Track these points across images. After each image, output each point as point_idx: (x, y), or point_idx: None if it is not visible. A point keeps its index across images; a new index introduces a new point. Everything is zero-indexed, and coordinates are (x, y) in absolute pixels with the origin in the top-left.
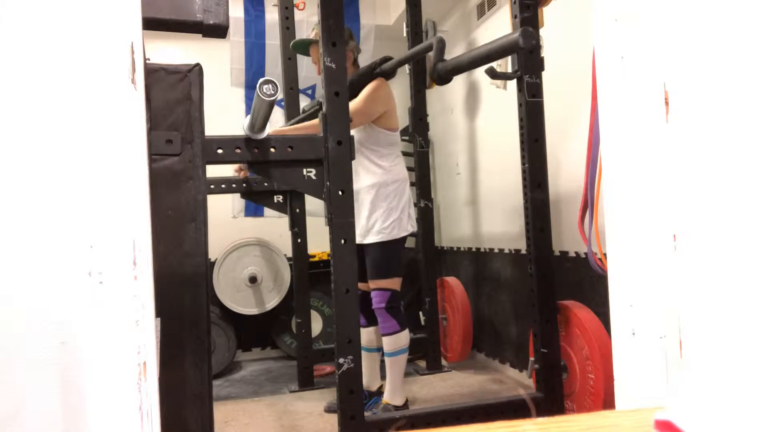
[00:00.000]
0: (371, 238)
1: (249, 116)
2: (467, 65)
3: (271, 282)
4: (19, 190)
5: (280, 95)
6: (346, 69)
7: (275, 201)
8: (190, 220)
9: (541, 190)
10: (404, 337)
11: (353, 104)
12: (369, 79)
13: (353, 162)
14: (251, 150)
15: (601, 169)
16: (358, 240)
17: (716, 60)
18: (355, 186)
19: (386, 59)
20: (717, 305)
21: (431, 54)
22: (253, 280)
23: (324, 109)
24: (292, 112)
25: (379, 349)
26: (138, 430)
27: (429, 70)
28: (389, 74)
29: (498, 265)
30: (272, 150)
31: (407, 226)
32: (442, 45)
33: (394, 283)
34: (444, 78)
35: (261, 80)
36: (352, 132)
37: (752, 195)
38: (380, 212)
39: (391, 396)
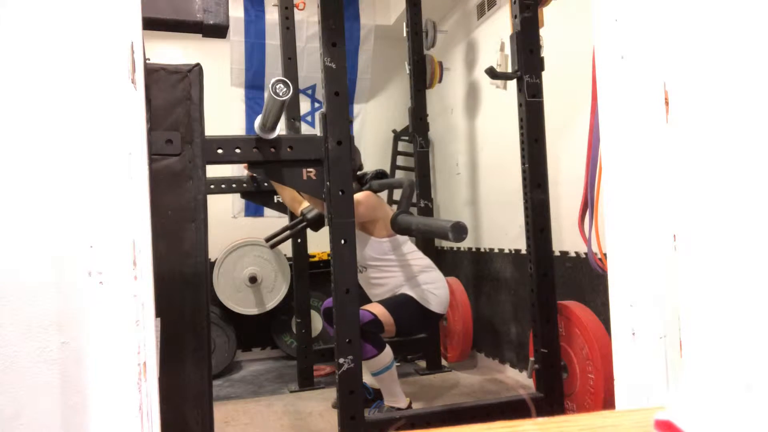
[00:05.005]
0: (402, 291)
1: (260, 116)
2: (414, 232)
3: (271, 282)
4: (19, 190)
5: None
6: (345, 69)
7: (275, 201)
8: (190, 220)
9: (541, 190)
10: (384, 357)
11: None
12: (358, 189)
13: (374, 275)
14: (251, 150)
15: (601, 169)
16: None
17: (716, 60)
18: (384, 294)
19: (379, 174)
20: (717, 305)
21: (401, 191)
22: (253, 280)
23: (324, 108)
24: (292, 112)
25: None
26: (138, 430)
27: (392, 215)
28: (377, 191)
29: (498, 265)
30: (272, 150)
31: (434, 304)
32: (410, 191)
33: (385, 318)
34: (403, 231)
35: (273, 80)
36: (358, 249)
37: (752, 195)
38: (412, 290)
39: (392, 402)
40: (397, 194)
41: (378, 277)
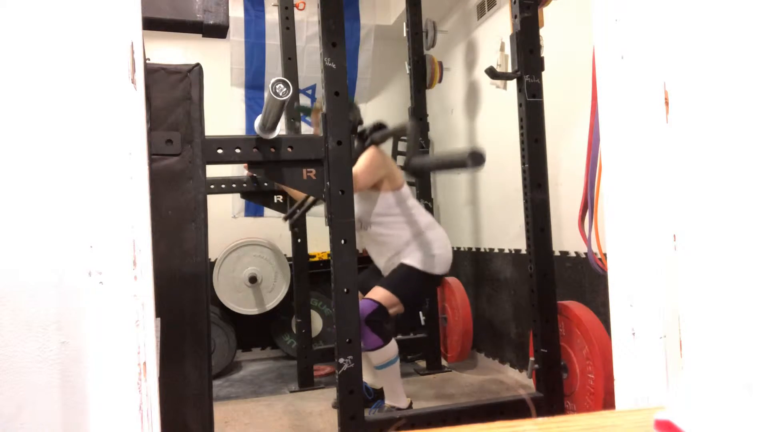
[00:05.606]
0: (402, 260)
1: (260, 116)
2: (430, 170)
3: (271, 282)
4: (19, 190)
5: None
6: (345, 69)
7: (275, 201)
8: (190, 220)
9: (541, 190)
10: (390, 350)
11: (353, 171)
12: (361, 150)
13: (379, 232)
14: (251, 150)
15: (601, 169)
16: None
17: (716, 60)
18: (387, 251)
19: (378, 126)
20: (717, 305)
21: (405, 137)
22: (253, 280)
23: (324, 108)
24: (292, 112)
25: None
26: (138, 430)
27: (405, 160)
28: (380, 142)
29: (498, 265)
30: (272, 150)
31: (437, 266)
32: (415, 133)
33: (390, 301)
34: (419, 174)
35: (273, 80)
36: (364, 206)
37: (752, 195)
38: (413, 255)
39: (393, 401)
40: (400, 159)
41: (383, 234)
